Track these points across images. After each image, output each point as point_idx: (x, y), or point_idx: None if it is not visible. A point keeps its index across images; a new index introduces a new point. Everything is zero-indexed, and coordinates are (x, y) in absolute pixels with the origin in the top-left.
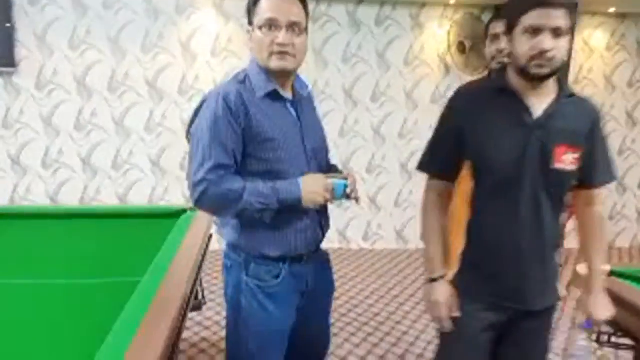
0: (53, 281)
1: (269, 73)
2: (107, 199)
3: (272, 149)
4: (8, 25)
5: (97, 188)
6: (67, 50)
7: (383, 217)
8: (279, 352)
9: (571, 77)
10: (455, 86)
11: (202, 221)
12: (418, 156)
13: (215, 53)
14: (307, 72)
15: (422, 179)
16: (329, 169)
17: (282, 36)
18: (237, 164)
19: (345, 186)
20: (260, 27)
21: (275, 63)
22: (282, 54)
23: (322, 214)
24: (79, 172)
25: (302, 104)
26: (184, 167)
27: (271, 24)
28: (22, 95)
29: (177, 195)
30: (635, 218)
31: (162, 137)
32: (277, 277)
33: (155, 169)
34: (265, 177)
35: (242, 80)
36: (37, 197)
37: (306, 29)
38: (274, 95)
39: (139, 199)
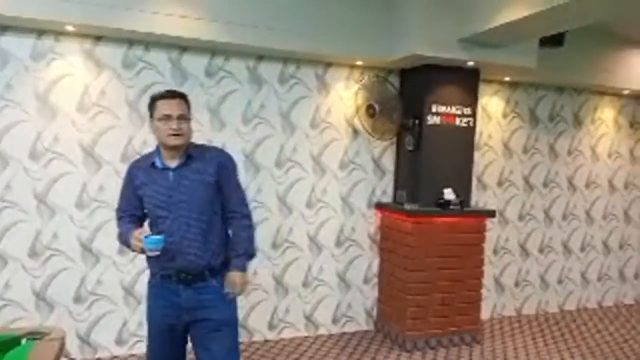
0: None
1: (166, 147)
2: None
3: (145, 201)
4: None
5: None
6: None
7: (291, 299)
8: (156, 341)
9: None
10: (364, 151)
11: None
12: (325, 230)
13: (83, 109)
14: (202, 134)
15: (330, 255)
16: (205, 216)
17: (175, 124)
18: (135, 208)
19: (158, 242)
20: (159, 119)
21: (172, 141)
22: (176, 135)
23: (177, 252)
24: None
25: (189, 170)
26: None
27: (167, 118)
28: None
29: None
30: (539, 284)
31: (5, 213)
32: (152, 281)
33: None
34: (149, 217)
35: (149, 154)
36: None
37: (189, 118)
38: (154, 165)
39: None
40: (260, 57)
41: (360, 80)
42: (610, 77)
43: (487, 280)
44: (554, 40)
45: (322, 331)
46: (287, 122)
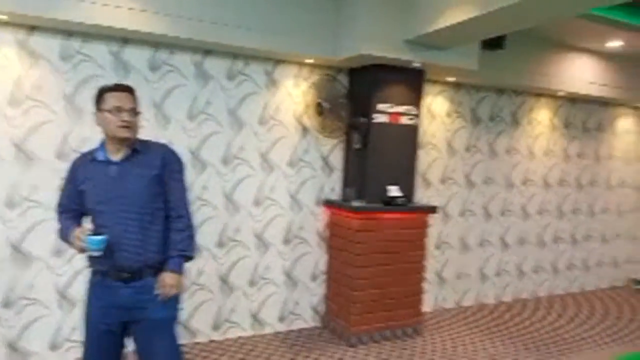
0: None
1: (114, 140)
2: None
3: (85, 196)
4: None
5: None
6: None
7: (237, 298)
8: (94, 342)
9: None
10: (313, 149)
11: None
12: (273, 228)
13: (15, 102)
14: (146, 129)
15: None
16: (146, 211)
17: (126, 116)
18: (76, 204)
19: (99, 242)
20: (109, 111)
21: (122, 133)
22: (126, 127)
23: (115, 247)
24: None
25: (132, 163)
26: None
27: (117, 110)
28: None
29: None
30: (478, 277)
31: None
32: (92, 280)
33: None
34: (89, 213)
35: (93, 149)
36: None
37: (139, 112)
38: (97, 159)
39: None
40: (207, 52)
41: (310, 79)
42: (546, 79)
43: (429, 274)
44: (494, 44)
45: (268, 330)
46: (234, 119)
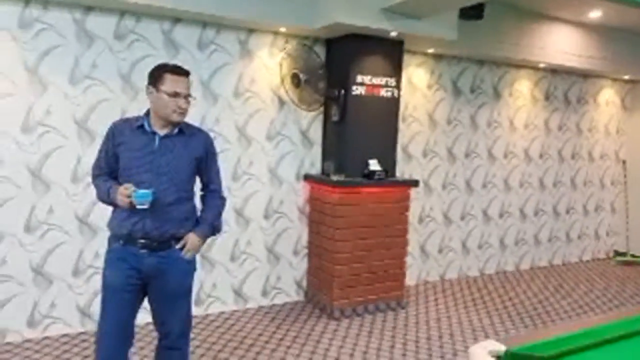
0: None
1: (164, 119)
2: None
3: (123, 160)
4: None
5: None
6: None
7: (219, 273)
8: (112, 302)
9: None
10: (292, 122)
11: None
12: (253, 203)
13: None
14: (112, 102)
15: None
16: (183, 187)
17: (183, 104)
18: (110, 167)
19: (147, 195)
20: (168, 94)
21: (176, 118)
22: (181, 113)
23: (152, 213)
24: None
25: (176, 140)
26: None
27: (176, 95)
28: None
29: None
30: (461, 250)
31: None
32: (112, 247)
33: None
34: (122, 176)
35: (136, 117)
36: None
37: (192, 97)
38: (143, 129)
39: None
40: (177, 20)
41: (284, 49)
42: (527, 51)
43: (413, 248)
44: (473, 14)
45: (251, 304)
46: (208, 91)
